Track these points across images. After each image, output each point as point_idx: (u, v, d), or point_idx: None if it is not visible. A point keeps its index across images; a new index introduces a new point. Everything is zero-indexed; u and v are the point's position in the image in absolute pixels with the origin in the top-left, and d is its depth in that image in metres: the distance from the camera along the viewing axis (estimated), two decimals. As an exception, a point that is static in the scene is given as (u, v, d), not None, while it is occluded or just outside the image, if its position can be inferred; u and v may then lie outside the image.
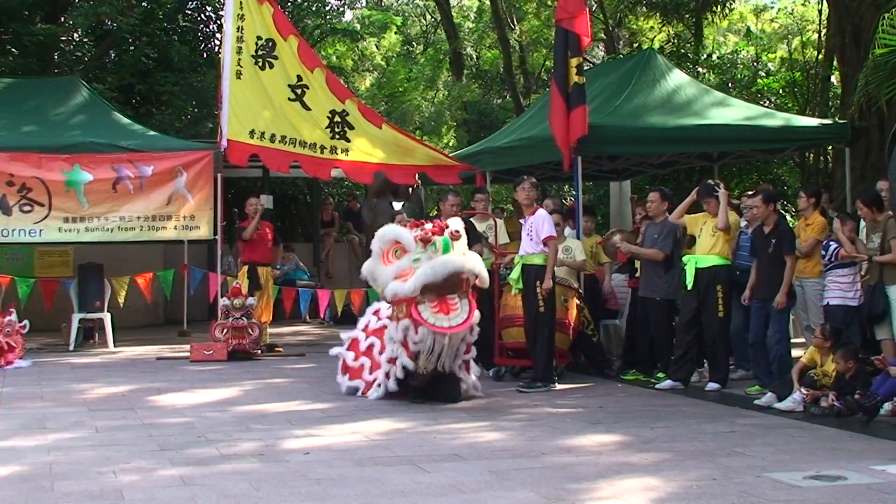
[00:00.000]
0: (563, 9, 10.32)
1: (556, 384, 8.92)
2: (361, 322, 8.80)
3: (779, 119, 11.89)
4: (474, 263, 7.86)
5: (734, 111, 11.60)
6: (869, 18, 12.59)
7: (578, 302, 9.61)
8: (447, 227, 7.92)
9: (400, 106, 25.25)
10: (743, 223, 9.19)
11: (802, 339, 10.19)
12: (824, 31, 18.21)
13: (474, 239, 9.91)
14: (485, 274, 8.07)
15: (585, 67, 11.11)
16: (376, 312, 8.63)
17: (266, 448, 6.26)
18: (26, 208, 11.50)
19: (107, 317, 12.26)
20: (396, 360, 7.93)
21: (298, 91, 11.73)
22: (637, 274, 9.77)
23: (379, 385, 8.11)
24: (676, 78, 12.02)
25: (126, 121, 13.69)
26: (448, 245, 7.75)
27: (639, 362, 9.59)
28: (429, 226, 7.94)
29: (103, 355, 11.63)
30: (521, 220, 9.42)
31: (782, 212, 12.43)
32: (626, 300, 10.36)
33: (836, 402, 7.23)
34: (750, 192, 9.66)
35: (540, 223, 8.79)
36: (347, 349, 8.63)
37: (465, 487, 5.21)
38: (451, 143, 26.27)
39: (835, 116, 13.76)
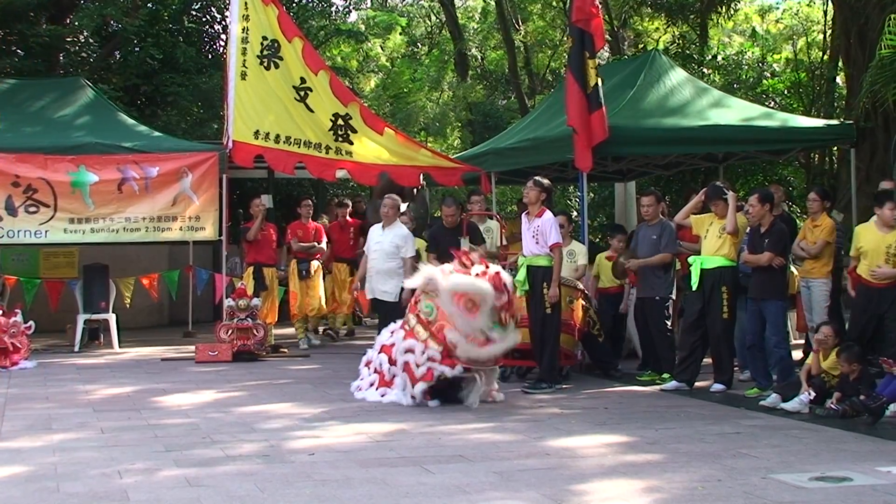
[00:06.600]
0: (580, 10, 10.33)
1: (562, 385, 8.92)
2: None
3: (784, 120, 11.87)
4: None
5: (739, 112, 11.58)
6: (874, 19, 12.57)
7: (584, 303, 9.60)
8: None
9: (405, 107, 25.25)
10: None
11: (801, 340, 10.21)
12: (829, 31, 18.17)
13: (478, 241, 9.94)
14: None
15: (594, 69, 11.11)
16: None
17: (271, 449, 6.27)
18: (32, 209, 11.53)
19: (112, 318, 12.27)
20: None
21: (302, 93, 11.73)
22: None
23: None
24: (681, 79, 12.01)
25: (131, 122, 13.71)
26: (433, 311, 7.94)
27: (651, 362, 9.58)
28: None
29: (108, 356, 11.65)
30: (522, 217, 9.36)
31: (789, 212, 12.39)
32: (632, 302, 10.35)
33: (839, 404, 7.22)
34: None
35: (547, 228, 8.73)
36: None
37: (469, 488, 5.21)
38: (455, 144, 26.27)
39: (840, 117, 13.71)
